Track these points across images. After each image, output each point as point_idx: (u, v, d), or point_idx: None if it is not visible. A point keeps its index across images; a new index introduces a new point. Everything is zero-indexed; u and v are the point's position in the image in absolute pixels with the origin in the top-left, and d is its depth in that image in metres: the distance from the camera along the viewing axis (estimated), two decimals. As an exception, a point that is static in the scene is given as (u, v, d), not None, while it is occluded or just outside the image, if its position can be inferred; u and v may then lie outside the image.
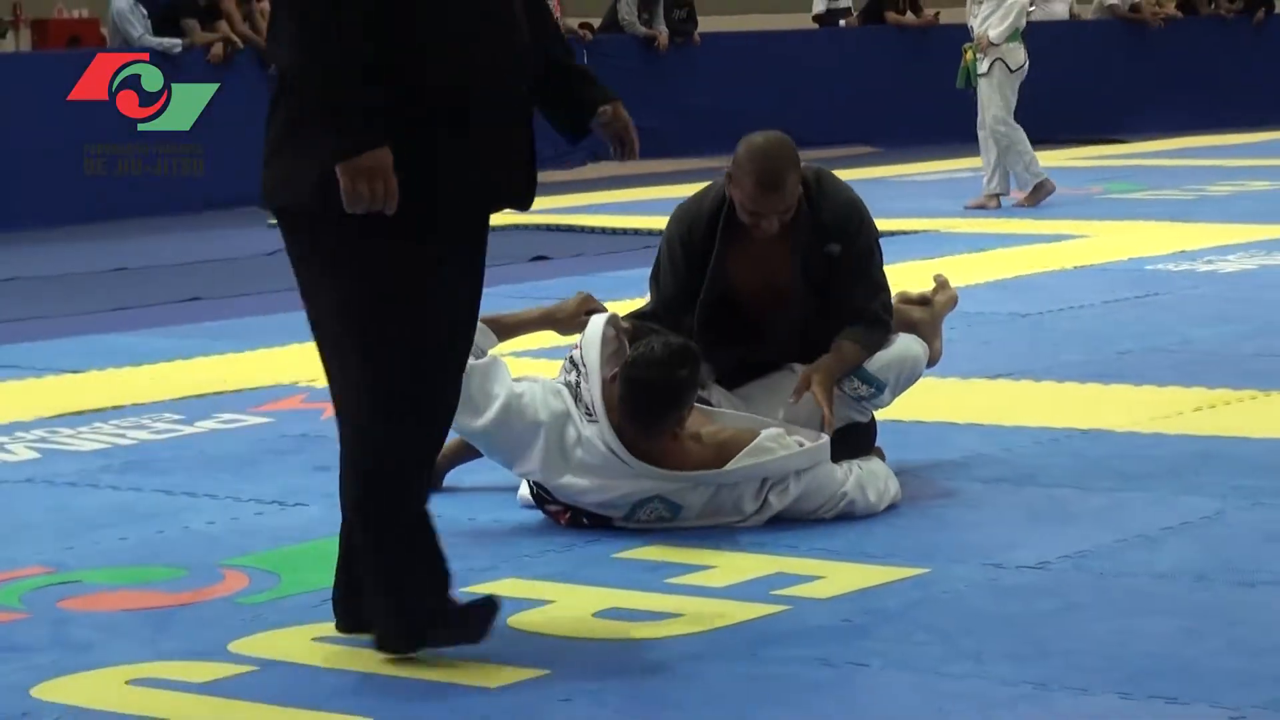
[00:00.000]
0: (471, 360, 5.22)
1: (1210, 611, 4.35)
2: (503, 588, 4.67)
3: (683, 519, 5.09)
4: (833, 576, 4.68)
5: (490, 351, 5.29)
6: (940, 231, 11.69)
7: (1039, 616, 4.35)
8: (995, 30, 12.87)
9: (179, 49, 14.77)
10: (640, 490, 5.05)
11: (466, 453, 5.54)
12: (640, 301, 5.83)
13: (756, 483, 5.09)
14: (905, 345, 5.52)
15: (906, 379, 5.52)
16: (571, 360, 5.25)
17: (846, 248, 5.39)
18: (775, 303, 5.43)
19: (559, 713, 3.85)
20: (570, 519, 5.17)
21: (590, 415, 5.08)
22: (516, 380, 5.20)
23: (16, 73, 14.87)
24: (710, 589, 4.62)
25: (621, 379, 5.05)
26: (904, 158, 17.17)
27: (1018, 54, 12.97)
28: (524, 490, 5.35)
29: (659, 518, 5.09)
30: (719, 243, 5.39)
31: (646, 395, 5.02)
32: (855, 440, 5.40)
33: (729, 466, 5.07)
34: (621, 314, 5.46)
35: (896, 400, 5.57)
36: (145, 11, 14.95)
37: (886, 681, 3.99)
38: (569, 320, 5.50)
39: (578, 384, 5.14)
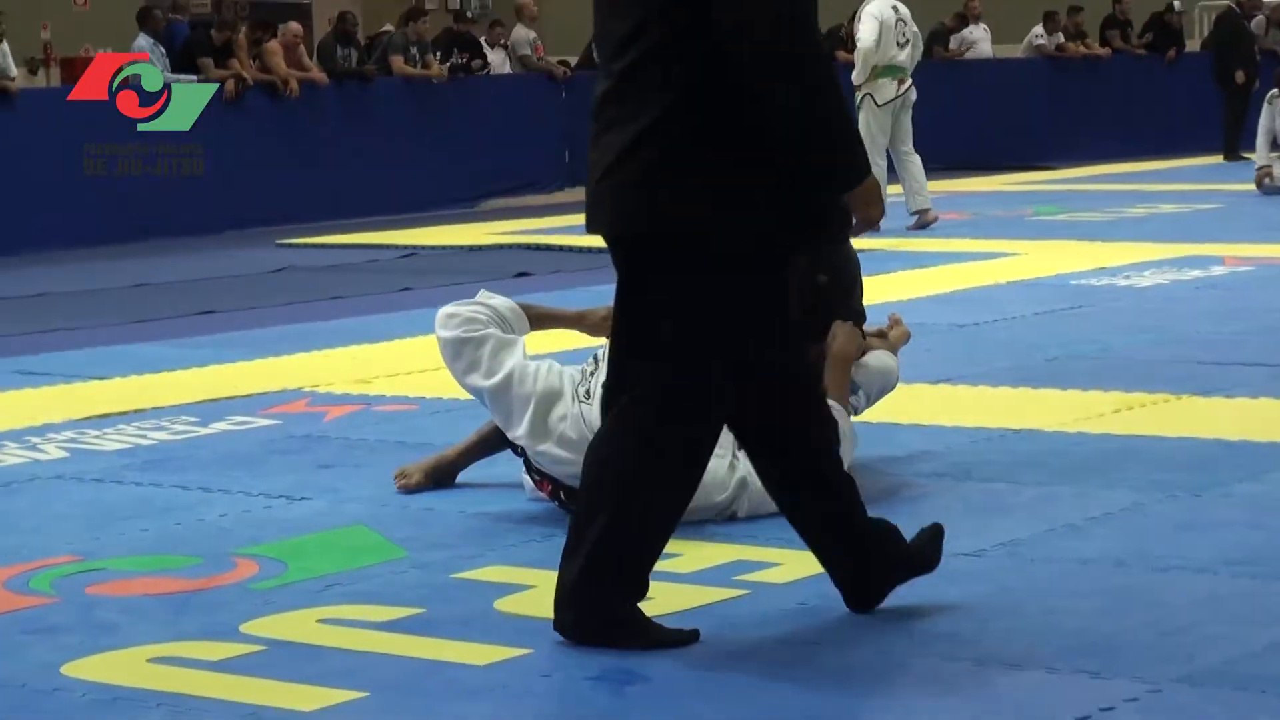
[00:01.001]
0: (498, 333, 5.21)
1: (1130, 594, 4.36)
2: (488, 573, 4.67)
3: None
4: (789, 564, 4.67)
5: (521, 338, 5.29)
6: (885, 250, 11.69)
7: (976, 599, 4.35)
8: (854, 73, 13.03)
9: (194, 84, 14.75)
10: None
11: (478, 453, 5.53)
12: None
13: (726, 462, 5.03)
14: (882, 360, 5.53)
15: (880, 389, 5.53)
16: (595, 357, 5.18)
17: (833, 278, 5.41)
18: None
19: (540, 687, 3.84)
20: (551, 491, 5.14)
21: (588, 399, 5.05)
22: (531, 358, 5.19)
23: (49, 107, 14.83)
24: (678, 575, 4.61)
25: None
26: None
27: (886, 90, 13.15)
28: (525, 475, 5.31)
29: None
30: None
31: None
32: None
33: None
34: None
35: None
36: (164, 50, 14.94)
37: (838, 659, 3.98)
38: (598, 325, 5.43)
39: (591, 374, 5.10)
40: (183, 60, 14.98)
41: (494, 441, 5.45)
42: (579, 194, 16.16)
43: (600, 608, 4.01)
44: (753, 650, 4.02)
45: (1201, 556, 4.62)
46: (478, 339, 5.21)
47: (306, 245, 13.75)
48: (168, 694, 3.82)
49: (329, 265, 12.48)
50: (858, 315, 5.51)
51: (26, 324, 9.77)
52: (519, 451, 5.21)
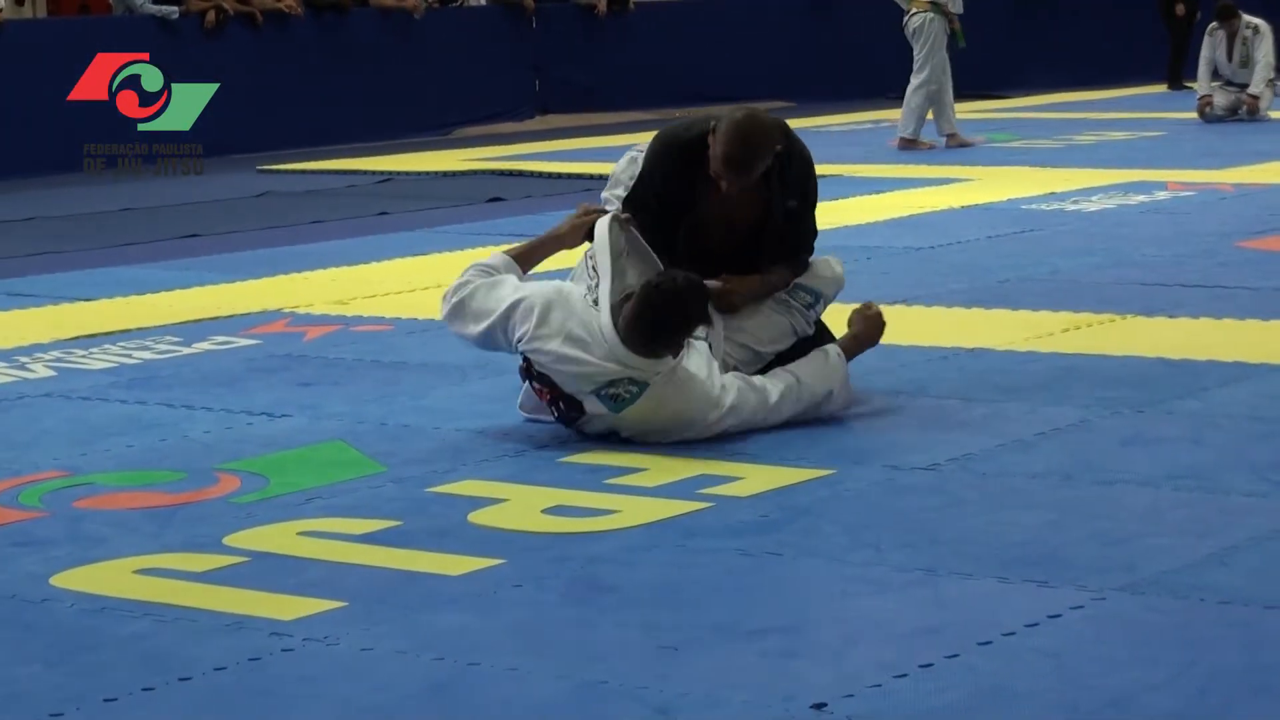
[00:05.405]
0: (480, 278, 5.12)
1: (1075, 506, 4.37)
2: (463, 488, 4.66)
3: (648, 397, 4.93)
4: (751, 477, 4.68)
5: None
6: (846, 176, 11.67)
7: (929, 511, 4.36)
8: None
9: (175, 15, 14.62)
10: (611, 373, 4.93)
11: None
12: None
13: (706, 369, 5.02)
14: (830, 266, 5.45)
15: (833, 295, 5.49)
16: (591, 265, 5.10)
17: (801, 203, 5.36)
18: (735, 239, 5.36)
19: (512, 596, 3.84)
20: (550, 399, 5.04)
21: (595, 306, 4.96)
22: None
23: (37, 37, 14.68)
24: (644, 488, 4.61)
25: (642, 302, 4.88)
26: (815, 111, 17.14)
27: None
28: (522, 397, 5.26)
29: (627, 392, 4.94)
30: (699, 183, 5.27)
31: (664, 322, 4.88)
32: (810, 348, 5.36)
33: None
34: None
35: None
36: (146, -18, 14.78)
37: (798, 568, 3.99)
38: (572, 233, 5.30)
39: (596, 285, 5.01)
40: (165, -9, 14.84)
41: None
42: (549, 122, 16.24)
43: None
44: (716, 560, 4.02)
45: (1144, 471, 4.64)
46: (468, 293, 5.14)
47: (286, 171, 13.67)
48: (153, 604, 3.82)
49: (308, 190, 12.42)
50: (811, 232, 5.48)
51: (15, 247, 9.71)
52: (523, 368, 5.12)
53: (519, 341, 5.04)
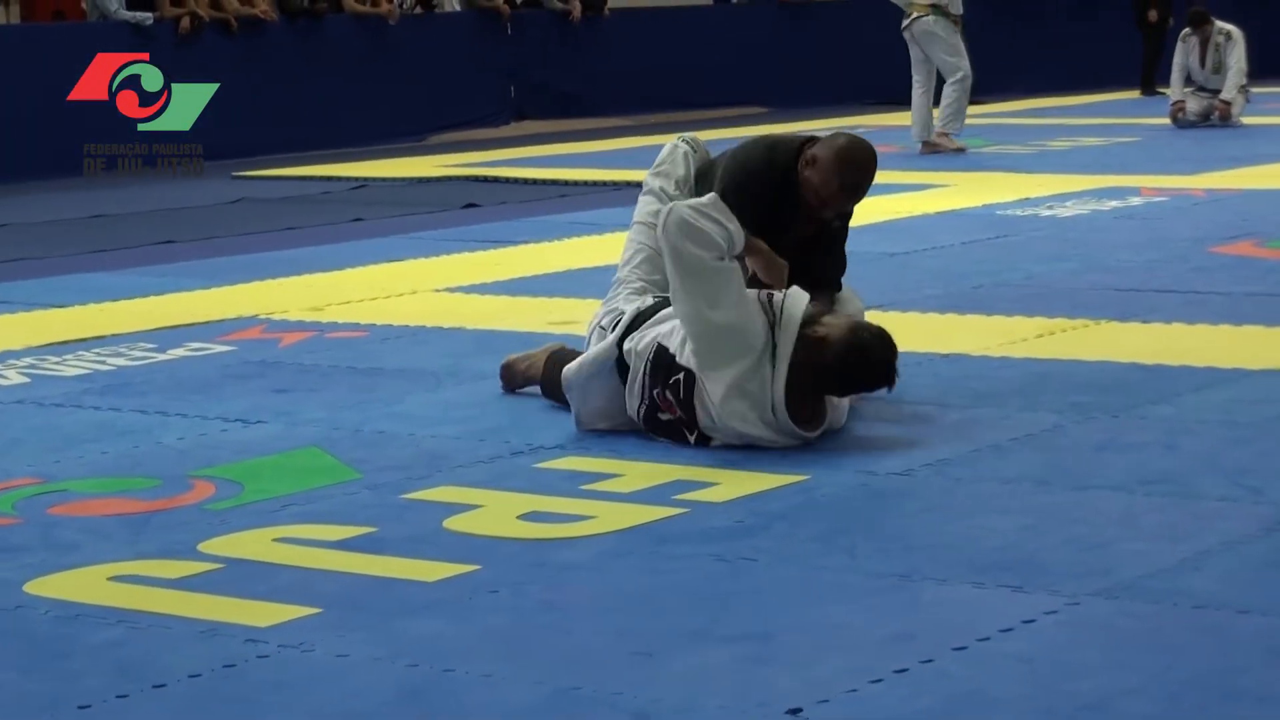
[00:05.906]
0: (720, 261, 4.90)
1: (1050, 512, 4.38)
2: (438, 494, 4.66)
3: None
4: (727, 483, 4.67)
5: None
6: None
7: (904, 517, 4.37)
8: None
9: (150, 22, 14.58)
10: (767, 439, 4.91)
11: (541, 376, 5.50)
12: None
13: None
14: (856, 304, 5.52)
15: None
16: (770, 298, 4.94)
17: (843, 222, 5.45)
18: (787, 259, 5.28)
19: (487, 602, 3.83)
20: (677, 416, 4.96)
21: (772, 361, 4.89)
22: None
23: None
24: (619, 494, 4.61)
25: (848, 356, 4.86)
26: (788, 116, 17.15)
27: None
28: (586, 410, 5.18)
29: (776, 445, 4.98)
30: (789, 207, 5.28)
31: (871, 372, 4.93)
32: None
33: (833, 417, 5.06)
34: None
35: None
36: (120, -12, 14.75)
37: (773, 574, 3.99)
38: (773, 275, 5.10)
39: (772, 327, 4.88)
40: (139, -4, 14.82)
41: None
42: (524, 128, 16.23)
43: None
44: (690, 566, 4.02)
45: (1118, 476, 4.64)
46: (719, 243, 4.86)
47: (261, 177, 13.65)
48: (128, 611, 3.80)
49: (283, 197, 12.39)
50: (844, 259, 5.54)
51: (-11, 253, 9.68)
52: (664, 367, 4.96)
53: (696, 360, 4.90)
